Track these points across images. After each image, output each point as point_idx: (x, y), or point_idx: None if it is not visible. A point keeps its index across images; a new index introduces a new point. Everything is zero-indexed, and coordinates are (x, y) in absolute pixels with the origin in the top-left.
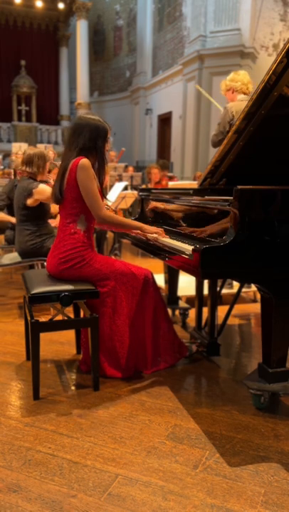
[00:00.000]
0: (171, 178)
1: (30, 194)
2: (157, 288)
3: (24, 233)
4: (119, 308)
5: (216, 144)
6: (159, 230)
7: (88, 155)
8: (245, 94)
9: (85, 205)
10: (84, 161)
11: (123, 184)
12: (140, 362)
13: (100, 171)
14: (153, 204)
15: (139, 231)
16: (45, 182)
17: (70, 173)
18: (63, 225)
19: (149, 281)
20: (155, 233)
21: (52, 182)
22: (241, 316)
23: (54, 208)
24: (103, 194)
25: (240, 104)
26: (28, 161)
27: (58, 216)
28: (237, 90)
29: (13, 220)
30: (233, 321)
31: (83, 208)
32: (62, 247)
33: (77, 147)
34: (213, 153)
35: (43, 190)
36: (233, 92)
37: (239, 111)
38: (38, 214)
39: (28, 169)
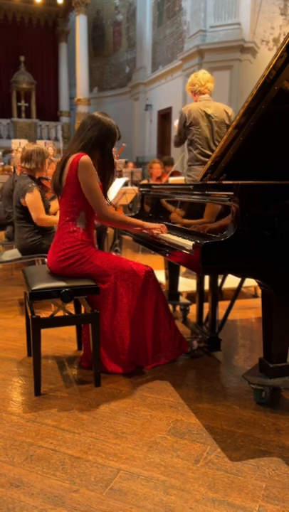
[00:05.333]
0: (176, 173)
1: (23, 195)
2: (158, 284)
3: (23, 230)
4: (120, 305)
5: (175, 144)
6: (160, 225)
7: (92, 151)
8: (204, 93)
9: (85, 202)
10: (85, 158)
11: (123, 180)
12: (141, 357)
13: (109, 172)
14: (154, 200)
15: (139, 228)
16: (45, 179)
17: (70, 169)
18: (63, 222)
19: (149, 277)
20: (157, 228)
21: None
22: (242, 312)
23: (54, 205)
24: (106, 194)
25: (192, 105)
26: (27, 157)
27: (58, 213)
28: (196, 92)
29: None
30: (233, 316)
31: (83, 204)
32: (61, 244)
33: (83, 140)
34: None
35: (32, 200)
36: (194, 95)
37: (191, 111)
38: None
39: (27, 165)
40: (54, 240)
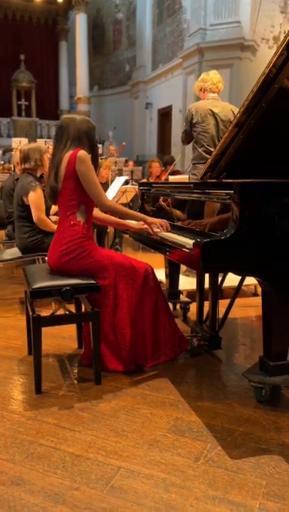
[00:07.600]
0: (177, 172)
1: (26, 194)
2: (157, 282)
3: (24, 229)
4: (121, 301)
5: (183, 142)
6: (163, 221)
7: (82, 144)
8: (214, 92)
9: (84, 196)
10: (82, 153)
11: (123, 178)
12: (140, 355)
13: (94, 163)
14: (154, 198)
15: (141, 225)
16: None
17: (68, 164)
18: (63, 217)
19: (149, 275)
20: (159, 224)
21: None
22: (242, 310)
23: (54, 207)
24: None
25: (200, 103)
26: (25, 157)
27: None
28: (206, 89)
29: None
30: (234, 314)
31: (82, 198)
32: (62, 239)
33: (69, 138)
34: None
35: (35, 199)
36: (204, 92)
37: (198, 109)
38: None
39: (27, 165)
40: (54, 237)
